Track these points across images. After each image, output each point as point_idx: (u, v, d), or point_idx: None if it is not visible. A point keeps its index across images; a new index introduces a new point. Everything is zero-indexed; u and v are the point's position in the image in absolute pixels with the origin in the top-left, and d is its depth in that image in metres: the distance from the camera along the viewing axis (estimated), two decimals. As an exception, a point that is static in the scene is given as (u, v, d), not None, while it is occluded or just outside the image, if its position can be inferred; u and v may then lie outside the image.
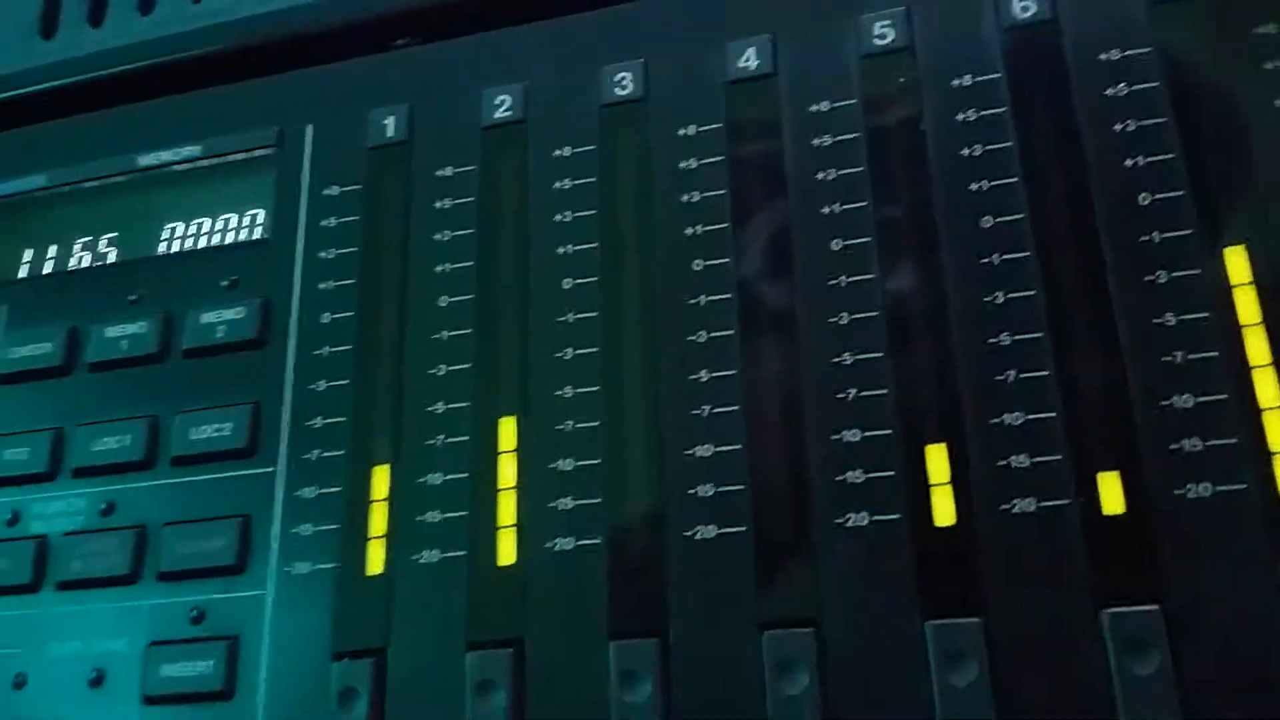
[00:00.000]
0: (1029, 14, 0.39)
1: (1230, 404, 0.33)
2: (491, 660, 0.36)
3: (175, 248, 0.46)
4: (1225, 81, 0.37)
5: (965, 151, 0.38)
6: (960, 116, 0.39)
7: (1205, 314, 0.34)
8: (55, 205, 0.49)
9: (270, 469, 0.41)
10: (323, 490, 0.40)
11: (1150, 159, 0.37)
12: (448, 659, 0.37)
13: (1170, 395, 0.34)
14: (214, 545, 0.40)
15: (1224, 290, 0.34)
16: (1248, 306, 0.34)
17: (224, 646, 0.39)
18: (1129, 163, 0.37)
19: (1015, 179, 0.38)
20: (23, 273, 0.48)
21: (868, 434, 0.36)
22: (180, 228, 0.47)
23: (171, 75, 0.50)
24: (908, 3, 0.40)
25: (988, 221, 0.37)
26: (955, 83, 0.39)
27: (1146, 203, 0.36)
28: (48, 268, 0.48)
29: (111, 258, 0.47)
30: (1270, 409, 0.33)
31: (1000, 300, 0.36)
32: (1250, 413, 0.33)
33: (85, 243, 0.48)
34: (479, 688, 0.36)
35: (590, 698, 0.35)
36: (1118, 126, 0.37)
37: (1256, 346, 0.34)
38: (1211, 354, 0.34)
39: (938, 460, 0.35)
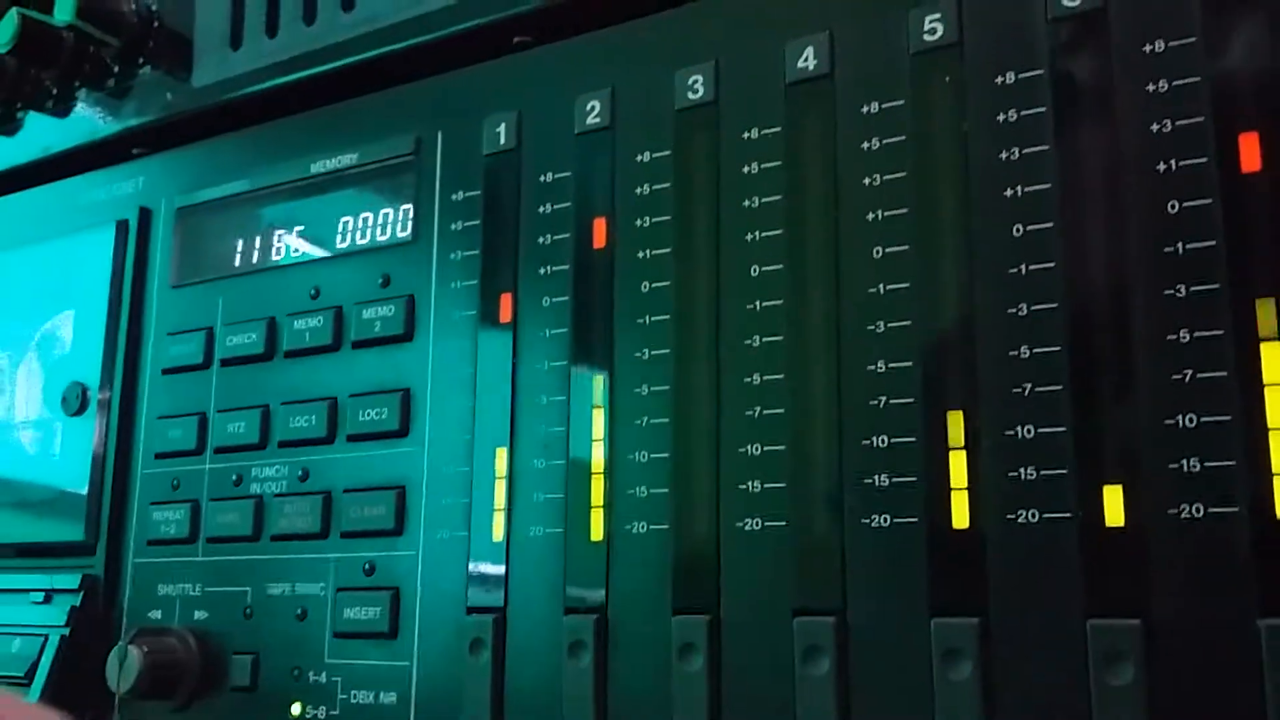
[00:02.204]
0: None
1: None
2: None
3: (343, 245, 0.54)
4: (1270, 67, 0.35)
5: (1003, 154, 0.39)
6: (1003, 116, 0.39)
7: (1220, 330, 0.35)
8: (253, 205, 0.58)
9: (418, 448, 0.49)
10: (459, 469, 0.48)
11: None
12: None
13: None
14: (378, 511, 0.49)
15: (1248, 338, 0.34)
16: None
17: (388, 596, 0.48)
18: (1161, 167, 0.37)
19: (1048, 185, 0.38)
20: (235, 265, 0.58)
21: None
22: (347, 227, 0.54)
23: (333, 82, 0.57)
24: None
25: (1018, 230, 0.39)
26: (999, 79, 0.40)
27: (1175, 211, 0.36)
28: (253, 260, 0.57)
29: (298, 253, 0.56)
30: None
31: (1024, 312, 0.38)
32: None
33: (280, 237, 0.57)
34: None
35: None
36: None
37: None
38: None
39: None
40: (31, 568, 0.60)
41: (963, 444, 0.38)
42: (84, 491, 0.58)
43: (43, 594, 0.58)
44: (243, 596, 0.53)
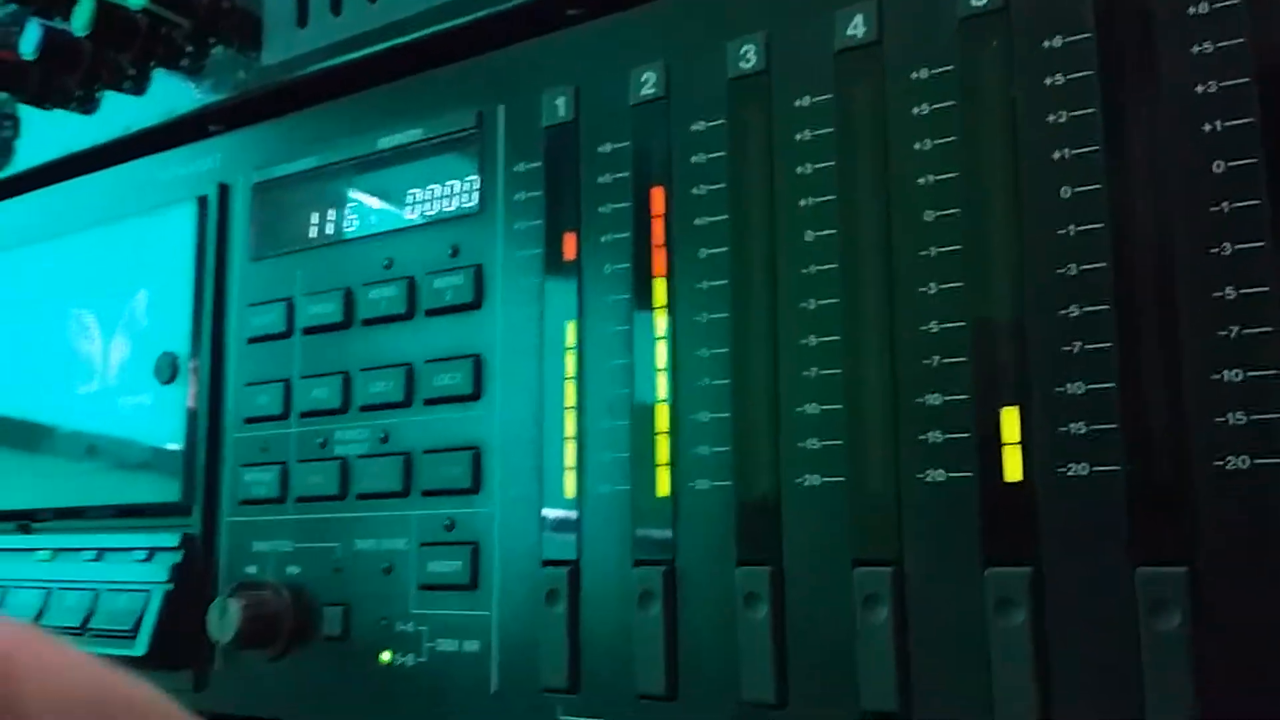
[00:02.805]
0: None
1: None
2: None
3: (413, 217, 0.57)
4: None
5: (1050, 118, 0.40)
6: (1048, 80, 0.40)
7: (1265, 288, 0.36)
8: (326, 180, 0.60)
9: (491, 411, 0.52)
10: (528, 430, 0.51)
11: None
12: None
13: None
14: (455, 471, 0.52)
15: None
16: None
17: (468, 550, 0.51)
18: (1207, 128, 0.37)
19: (1097, 148, 0.39)
20: (311, 238, 0.60)
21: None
22: (415, 199, 0.57)
23: (396, 58, 0.59)
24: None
25: (1066, 192, 0.40)
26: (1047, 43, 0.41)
27: (1220, 171, 0.37)
28: (328, 233, 0.60)
29: (370, 225, 0.58)
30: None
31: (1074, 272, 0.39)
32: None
33: (352, 210, 0.60)
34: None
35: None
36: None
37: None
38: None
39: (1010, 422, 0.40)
40: (133, 527, 0.64)
41: (1015, 400, 0.40)
42: (179, 456, 0.62)
43: (145, 552, 0.61)
44: (332, 552, 0.56)
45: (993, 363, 0.40)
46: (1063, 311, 0.39)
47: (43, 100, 0.76)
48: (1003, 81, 0.41)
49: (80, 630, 0.61)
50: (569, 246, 0.51)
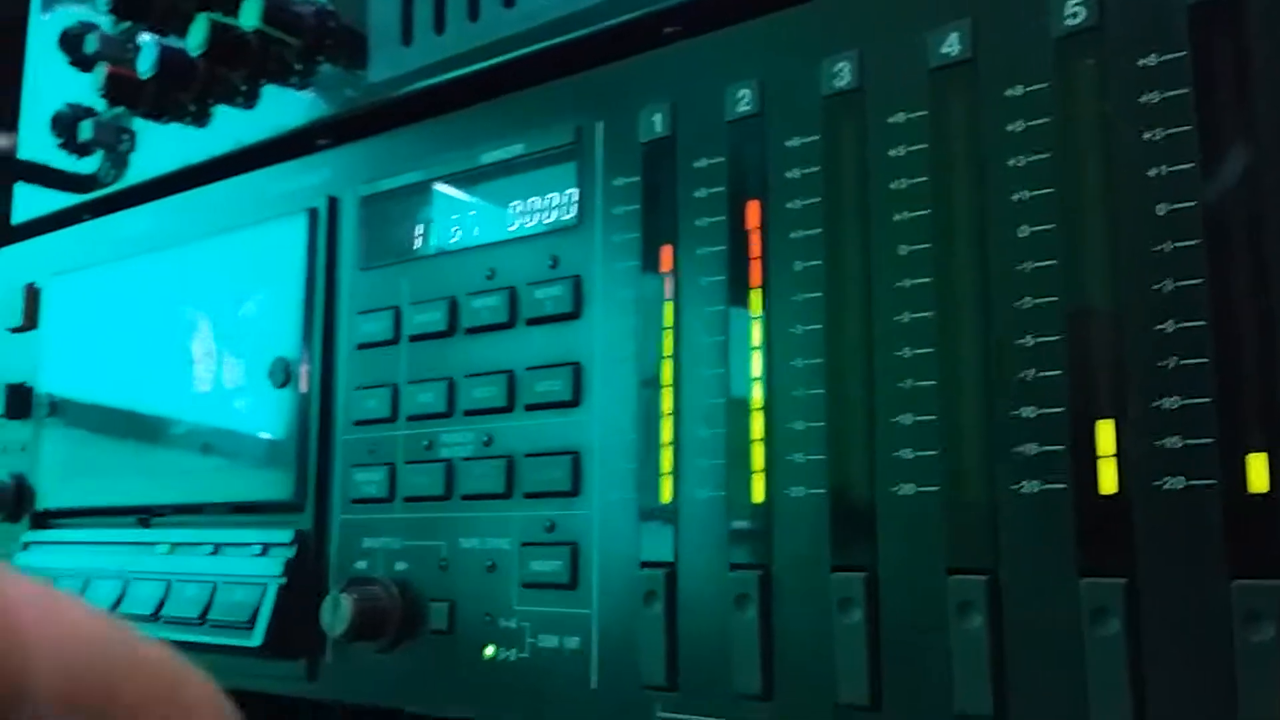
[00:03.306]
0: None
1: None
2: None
3: (514, 229, 0.59)
4: None
5: (1146, 135, 0.41)
6: (1145, 98, 0.41)
7: (1364, 306, 0.36)
8: (430, 193, 0.63)
9: (590, 417, 0.54)
10: (625, 436, 0.52)
11: (1329, 142, 0.37)
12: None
13: (1318, 387, 0.37)
14: (556, 475, 0.54)
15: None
16: None
17: (568, 551, 0.53)
18: (1306, 147, 0.38)
19: (1193, 164, 0.40)
20: (416, 249, 0.63)
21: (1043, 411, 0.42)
22: (516, 212, 0.59)
23: (497, 75, 0.61)
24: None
25: (1162, 209, 0.40)
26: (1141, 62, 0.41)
27: (1319, 189, 0.37)
28: (432, 245, 0.62)
29: (473, 237, 0.61)
30: None
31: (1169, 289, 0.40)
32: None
33: (455, 222, 0.62)
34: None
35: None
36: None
37: None
38: (1365, 347, 0.36)
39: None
40: (247, 523, 0.67)
41: (1110, 414, 0.40)
42: (293, 456, 0.65)
43: (260, 547, 0.65)
44: (438, 550, 0.58)
45: (1088, 376, 0.41)
46: (1159, 327, 0.40)
47: (158, 115, 0.80)
48: (1098, 99, 0.42)
49: (200, 621, 0.65)
50: (665, 259, 0.53)
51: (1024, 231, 0.43)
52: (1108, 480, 0.40)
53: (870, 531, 0.45)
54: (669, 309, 0.52)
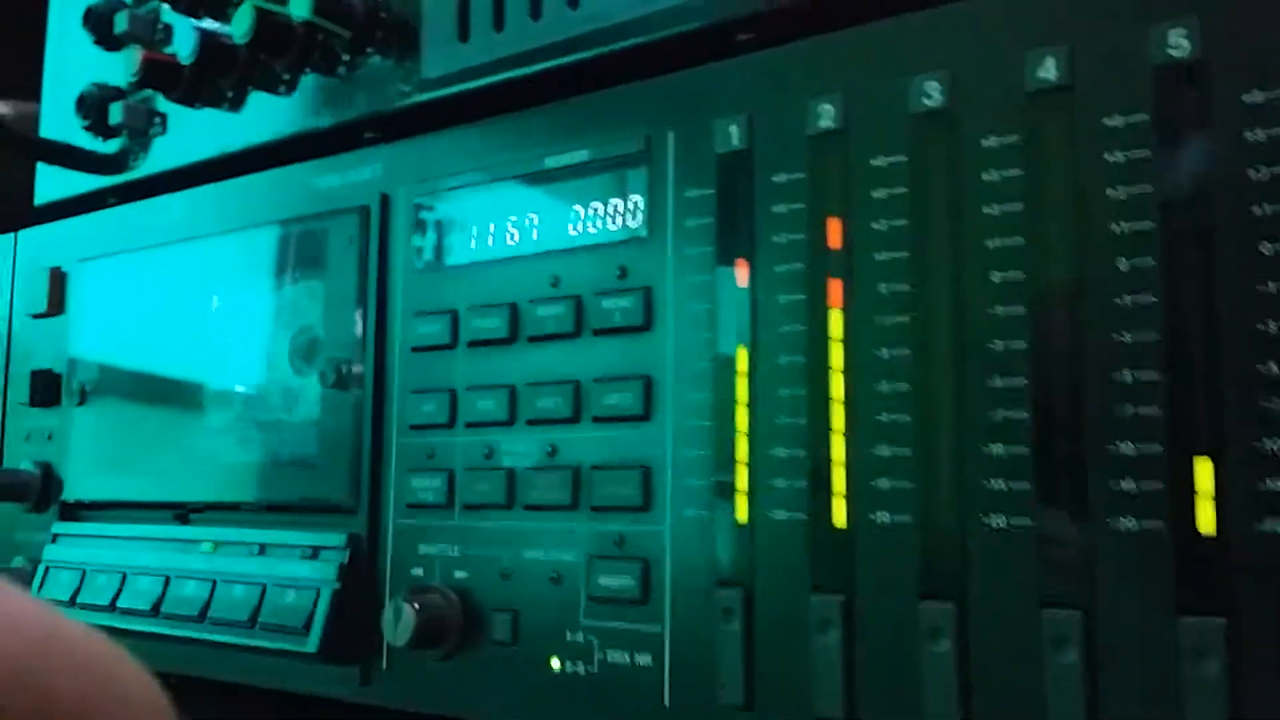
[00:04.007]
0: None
1: None
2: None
3: (579, 236, 0.58)
4: None
5: (1252, 174, 0.41)
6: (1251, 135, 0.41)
7: None
8: (490, 196, 0.62)
9: (661, 431, 0.54)
10: (700, 452, 0.52)
11: None
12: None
13: None
14: (625, 490, 0.54)
15: None
16: None
17: (639, 566, 0.53)
18: None
19: (1301, 206, 0.40)
20: (475, 253, 0.62)
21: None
22: (582, 219, 0.58)
23: (560, 77, 0.60)
24: None
25: (1266, 249, 0.40)
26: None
27: None
28: (492, 249, 0.61)
29: (535, 243, 0.60)
30: None
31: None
32: None
33: (516, 227, 0.61)
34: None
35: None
36: None
37: None
38: None
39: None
40: (293, 524, 0.67)
41: (1209, 452, 0.40)
42: (345, 458, 0.64)
43: (310, 550, 0.64)
44: (499, 559, 0.58)
45: (1188, 414, 0.41)
46: (1260, 367, 0.40)
47: (193, 100, 0.78)
48: (1199, 133, 0.42)
49: (250, 624, 0.64)
50: (741, 274, 0.52)
51: (1123, 265, 0.43)
52: (1206, 520, 0.40)
53: (961, 562, 0.45)
54: (745, 326, 0.52)
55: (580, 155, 0.58)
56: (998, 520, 0.44)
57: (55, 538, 0.79)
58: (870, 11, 0.50)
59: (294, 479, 0.67)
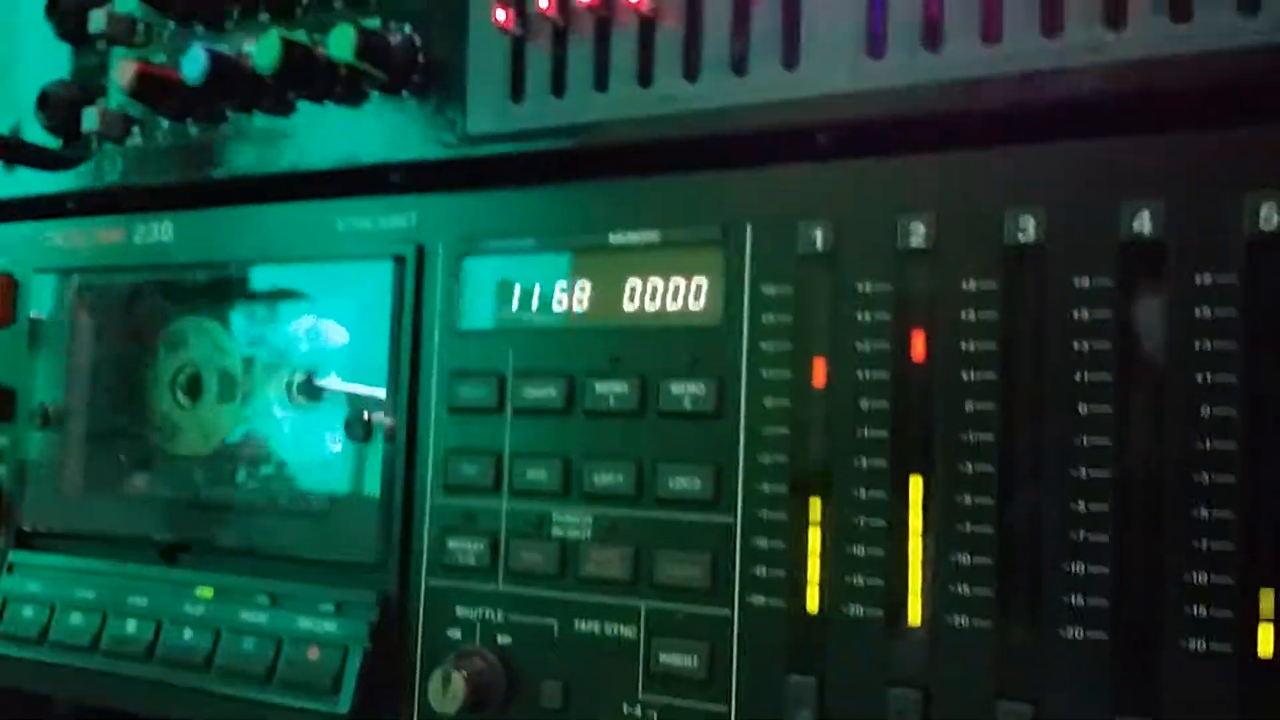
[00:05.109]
0: None
1: None
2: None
3: (636, 311, 0.59)
4: None
5: (1329, 342, 0.46)
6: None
7: None
8: (548, 262, 0.62)
9: (730, 518, 0.56)
10: (771, 542, 0.55)
11: None
12: None
13: None
14: (691, 572, 0.56)
15: None
16: None
17: (705, 647, 0.55)
18: None
19: (1370, 375, 0.45)
20: (527, 318, 0.62)
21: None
22: (646, 298, 0.59)
23: (626, 154, 0.61)
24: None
25: None
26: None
27: None
28: (548, 315, 0.62)
29: (582, 308, 0.60)
30: None
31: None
32: None
33: (562, 289, 0.62)
34: None
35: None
36: None
37: None
38: None
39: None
40: (308, 576, 0.65)
41: (1273, 583, 0.46)
42: (373, 513, 0.63)
43: (334, 605, 0.63)
44: (549, 628, 0.59)
45: (1254, 547, 0.46)
46: (1326, 515, 0.45)
47: (185, 118, 0.75)
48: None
49: (266, 678, 0.63)
50: (819, 374, 0.55)
51: (1205, 412, 0.47)
52: (1265, 644, 0.46)
53: (1037, 668, 0.49)
54: (821, 424, 0.54)
55: (650, 236, 0.59)
56: (1074, 632, 0.48)
57: (11, 567, 0.75)
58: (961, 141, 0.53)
59: (310, 529, 0.66)
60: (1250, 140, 0.47)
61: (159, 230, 0.75)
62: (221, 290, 0.72)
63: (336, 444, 0.65)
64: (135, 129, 0.78)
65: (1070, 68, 0.51)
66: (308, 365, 0.68)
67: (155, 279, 0.74)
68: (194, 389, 0.73)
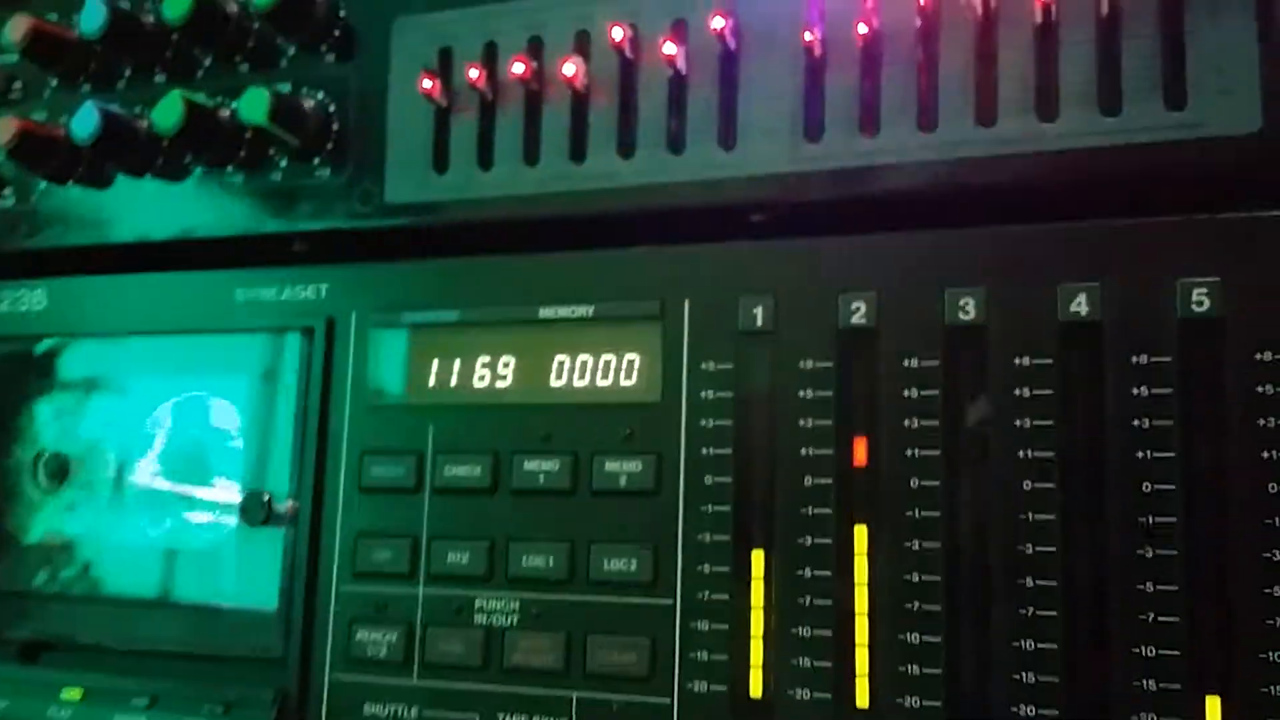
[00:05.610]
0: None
1: None
2: None
3: (568, 387, 0.57)
4: None
5: (1260, 421, 0.48)
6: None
7: None
8: (471, 337, 0.60)
9: (670, 600, 0.54)
10: (713, 625, 0.53)
11: None
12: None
13: None
14: (627, 659, 0.53)
15: None
16: None
17: (641, 739, 0.53)
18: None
19: (1300, 455, 0.47)
20: (448, 394, 0.59)
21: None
22: (578, 374, 0.57)
23: (555, 228, 0.60)
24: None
25: (1274, 488, 0.47)
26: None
27: None
28: (470, 392, 0.59)
29: (508, 383, 0.58)
30: None
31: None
32: None
33: (486, 364, 0.59)
34: None
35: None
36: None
37: None
38: None
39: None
40: (206, 677, 0.60)
41: (1218, 690, 0.46)
42: (273, 604, 0.58)
43: (223, 706, 0.58)
44: (472, 724, 0.55)
45: (1199, 654, 0.47)
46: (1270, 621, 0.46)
47: (67, 179, 0.70)
48: (1214, 379, 0.49)
49: (144, 789, 0.57)
50: (761, 451, 0.54)
51: (1147, 488, 0.49)
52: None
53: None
54: (765, 503, 0.53)
55: (582, 311, 0.58)
56: (1028, 710, 0.48)
57: None
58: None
59: (197, 621, 0.60)
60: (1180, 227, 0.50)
61: (30, 299, 0.69)
62: (94, 363, 0.66)
63: (231, 526, 0.60)
64: (7, 190, 0.72)
65: (1003, 155, 0.53)
66: (196, 443, 0.63)
67: (19, 351, 0.68)
68: (58, 472, 0.66)
